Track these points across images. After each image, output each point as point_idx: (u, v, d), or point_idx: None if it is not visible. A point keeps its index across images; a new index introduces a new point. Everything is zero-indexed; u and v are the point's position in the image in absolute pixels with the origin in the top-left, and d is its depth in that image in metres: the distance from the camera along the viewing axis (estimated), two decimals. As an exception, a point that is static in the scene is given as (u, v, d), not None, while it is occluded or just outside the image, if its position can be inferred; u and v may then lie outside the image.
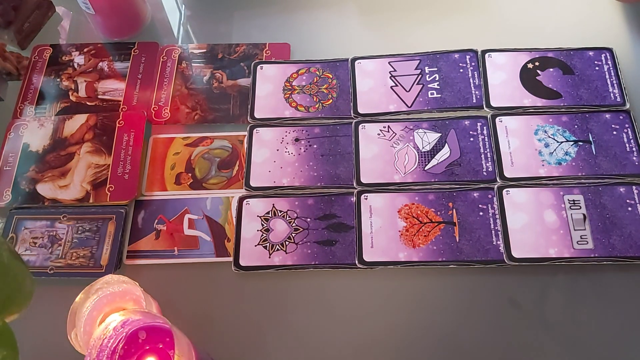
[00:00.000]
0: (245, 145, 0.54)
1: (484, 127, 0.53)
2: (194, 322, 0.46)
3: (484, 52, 0.57)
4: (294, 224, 0.50)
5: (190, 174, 0.53)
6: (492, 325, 0.45)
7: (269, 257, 0.48)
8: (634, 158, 0.50)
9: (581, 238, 0.47)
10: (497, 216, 0.48)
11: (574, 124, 0.52)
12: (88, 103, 0.58)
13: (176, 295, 0.48)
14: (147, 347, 0.38)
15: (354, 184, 0.51)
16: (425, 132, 0.53)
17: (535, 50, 0.56)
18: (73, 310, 0.41)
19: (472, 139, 0.52)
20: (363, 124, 0.54)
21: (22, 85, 0.60)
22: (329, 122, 0.55)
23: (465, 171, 0.51)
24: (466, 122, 0.53)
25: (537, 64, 0.55)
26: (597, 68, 0.55)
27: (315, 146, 0.53)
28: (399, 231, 0.49)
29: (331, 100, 0.56)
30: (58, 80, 0.60)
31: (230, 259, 0.49)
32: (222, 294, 0.48)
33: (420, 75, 0.56)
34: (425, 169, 0.51)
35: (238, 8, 0.64)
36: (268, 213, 0.51)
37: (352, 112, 0.55)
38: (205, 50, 0.61)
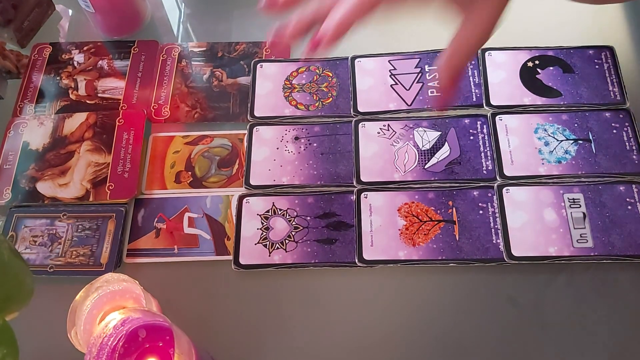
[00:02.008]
0: (245, 143, 0.54)
1: (484, 126, 0.53)
2: (193, 320, 0.46)
3: (483, 50, 0.56)
4: (293, 223, 0.50)
5: (190, 173, 0.53)
6: (491, 324, 0.45)
7: (269, 256, 0.48)
8: (634, 157, 0.50)
9: (581, 236, 0.47)
10: (497, 215, 0.48)
11: (574, 122, 0.52)
12: (88, 101, 0.58)
13: (176, 294, 0.48)
14: (147, 346, 0.38)
15: (354, 183, 0.51)
16: (425, 131, 0.53)
17: (535, 48, 0.56)
18: (73, 309, 0.41)
19: (472, 138, 0.52)
20: (363, 123, 0.54)
21: (21, 84, 0.59)
22: (329, 120, 0.55)
23: (465, 170, 0.51)
24: (466, 121, 0.53)
25: (537, 62, 0.55)
26: (597, 66, 0.55)
27: (315, 144, 0.53)
28: (399, 230, 0.49)
29: (331, 99, 0.56)
30: (58, 78, 0.60)
31: (230, 257, 0.49)
32: (222, 293, 0.48)
33: (420, 74, 0.56)
34: (425, 167, 0.51)
35: (238, 6, 0.64)
36: (268, 211, 0.51)
37: (352, 110, 0.55)
38: (205, 49, 0.60)
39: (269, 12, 0.39)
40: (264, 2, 0.38)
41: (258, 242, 0.49)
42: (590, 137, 0.51)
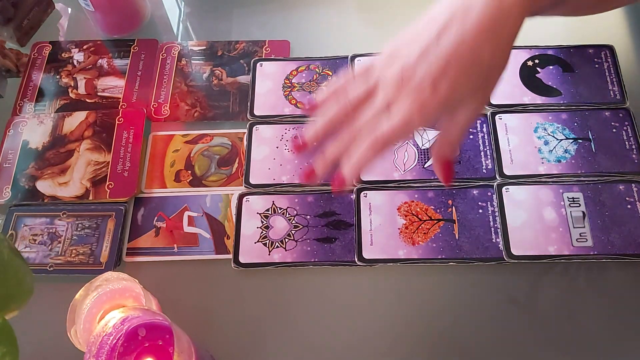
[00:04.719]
0: (245, 142, 0.54)
1: (484, 125, 0.53)
2: (193, 319, 0.46)
3: (483, 49, 0.56)
4: (293, 221, 0.50)
5: (189, 171, 0.53)
6: (490, 322, 0.45)
7: (269, 254, 0.48)
8: (634, 156, 0.50)
9: (580, 235, 0.47)
10: (497, 214, 0.49)
11: (574, 121, 0.52)
12: (87, 100, 0.58)
13: (176, 293, 0.48)
14: (147, 344, 0.38)
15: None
16: (424, 130, 0.53)
17: (535, 47, 0.56)
18: (73, 307, 0.41)
19: (471, 137, 0.52)
20: (363, 122, 0.54)
21: (21, 82, 0.59)
22: (329, 119, 0.55)
23: (464, 169, 0.51)
24: (466, 120, 0.53)
25: (536, 61, 0.55)
26: (597, 65, 0.55)
27: (314, 143, 0.53)
28: (399, 229, 0.49)
29: (331, 98, 0.56)
30: (57, 77, 0.60)
31: (230, 256, 0.49)
32: (221, 291, 0.48)
33: (420, 73, 0.56)
34: (425, 166, 0.51)
35: (237, 5, 0.64)
36: (268, 210, 0.51)
37: (351, 109, 0.55)
38: (204, 48, 0.60)
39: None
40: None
41: (258, 241, 0.49)
42: (590, 136, 0.51)
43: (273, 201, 0.51)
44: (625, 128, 0.51)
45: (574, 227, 0.47)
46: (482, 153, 0.51)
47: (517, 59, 0.56)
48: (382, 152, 0.40)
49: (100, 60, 0.60)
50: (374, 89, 0.41)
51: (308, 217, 0.50)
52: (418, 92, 0.38)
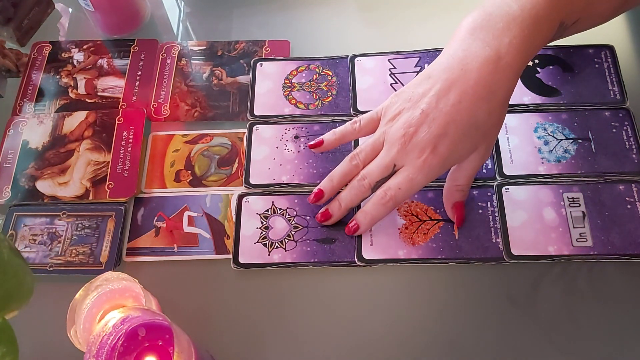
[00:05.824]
0: (245, 142, 0.54)
1: (484, 125, 0.53)
2: (193, 319, 0.46)
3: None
4: (293, 222, 0.50)
5: (189, 171, 0.53)
6: (490, 323, 0.45)
7: (269, 255, 0.48)
8: (633, 156, 0.50)
9: (580, 236, 0.47)
10: (497, 214, 0.48)
11: (574, 121, 0.52)
12: (87, 100, 0.58)
13: (176, 293, 0.48)
14: (147, 344, 0.38)
15: (354, 182, 0.51)
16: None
17: (535, 47, 0.56)
18: (73, 307, 0.41)
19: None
20: (363, 122, 0.54)
21: (21, 82, 0.60)
22: (329, 119, 0.55)
23: (464, 169, 0.51)
24: (466, 120, 0.53)
25: (536, 61, 0.55)
26: (597, 66, 0.54)
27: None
28: (399, 229, 0.49)
29: (331, 98, 0.56)
30: (57, 77, 0.60)
31: (230, 256, 0.49)
32: (221, 291, 0.48)
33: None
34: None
35: (237, 5, 0.64)
36: (267, 211, 0.51)
37: (351, 109, 0.55)
38: (204, 48, 0.60)
39: (315, 150, 0.51)
40: (314, 196, 0.49)
41: (257, 241, 0.49)
42: (590, 136, 0.51)
43: (273, 202, 0.51)
44: (625, 128, 0.51)
45: (574, 227, 0.47)
46: (482, 153, 0.51)
47: (517, 59, 0.56)
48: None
49: (100, 60, 0.60)
50: (380, 143, 0.45)
51: (308, 217, 0.50)
52: (420, 153, 0.42)
